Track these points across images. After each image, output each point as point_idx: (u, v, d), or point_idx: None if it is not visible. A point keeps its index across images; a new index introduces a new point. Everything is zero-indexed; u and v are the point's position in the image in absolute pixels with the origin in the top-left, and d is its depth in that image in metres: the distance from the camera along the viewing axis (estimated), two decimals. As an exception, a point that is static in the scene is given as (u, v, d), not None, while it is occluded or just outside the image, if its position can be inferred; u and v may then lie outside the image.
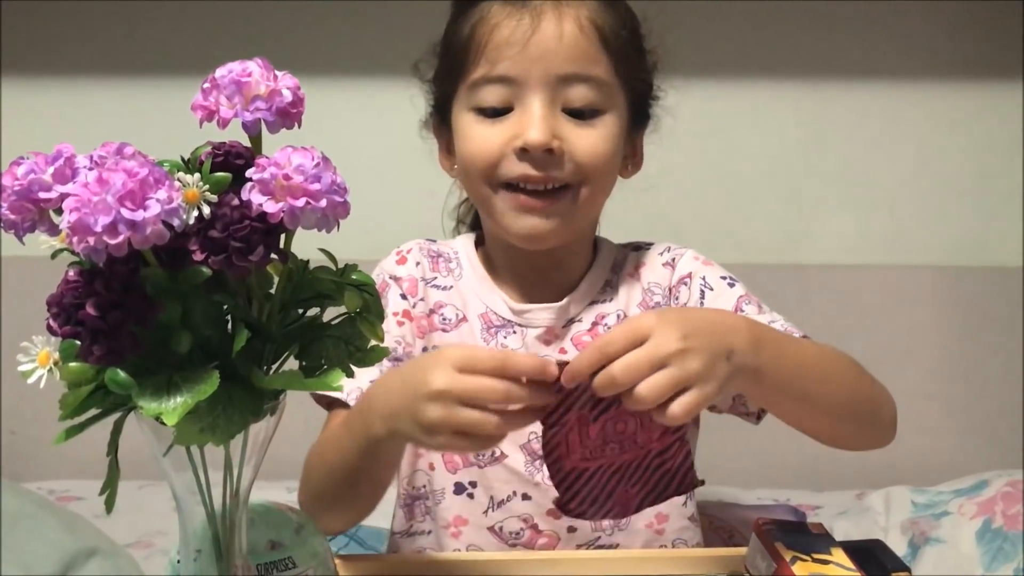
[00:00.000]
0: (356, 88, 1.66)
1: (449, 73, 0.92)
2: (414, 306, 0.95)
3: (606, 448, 0.72)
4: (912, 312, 1.67)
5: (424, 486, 0.95)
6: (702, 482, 0.75)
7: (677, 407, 0.67)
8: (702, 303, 0.94)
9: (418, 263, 0.98)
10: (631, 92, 0.92)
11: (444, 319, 0.95)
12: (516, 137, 0.86)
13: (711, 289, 0.94)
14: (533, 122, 0.85)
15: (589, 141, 0.88)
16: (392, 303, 0.95)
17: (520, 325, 0.94)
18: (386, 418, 0.74)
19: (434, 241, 1.02)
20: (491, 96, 0.88)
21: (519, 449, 0.92)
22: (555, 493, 0.92)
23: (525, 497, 0.93)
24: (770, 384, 0.76)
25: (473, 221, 1.07)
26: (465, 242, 1.00)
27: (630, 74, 0.92)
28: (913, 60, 1.65)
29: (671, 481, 0.74)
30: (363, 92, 1.66)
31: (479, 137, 0.88)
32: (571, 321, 0.95)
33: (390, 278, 0.97)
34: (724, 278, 0.96)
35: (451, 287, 0.97)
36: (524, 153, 0.86)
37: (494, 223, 0.92)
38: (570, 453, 0.71)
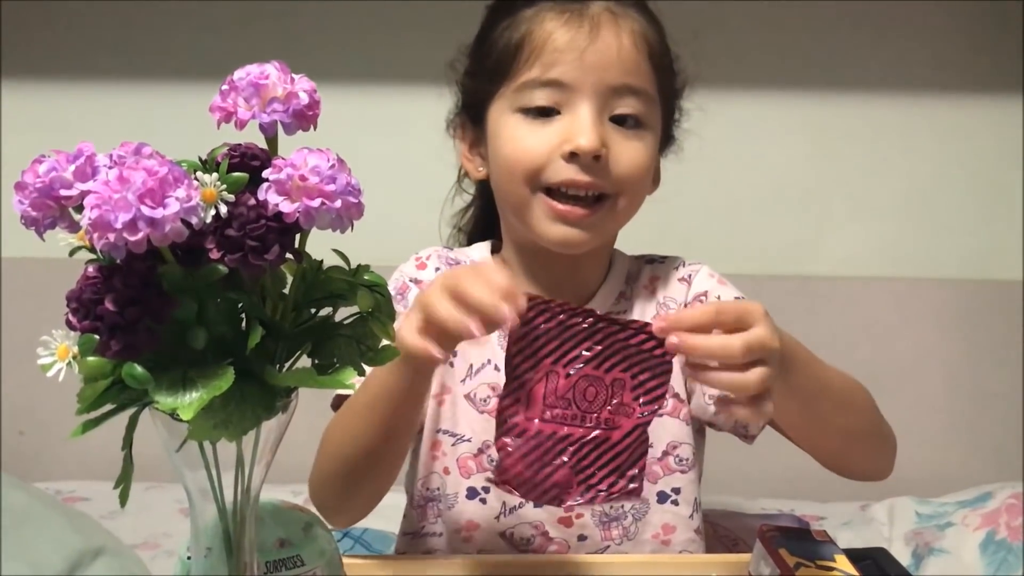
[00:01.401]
0: (367, 94, 1.67)
1: (492, 74, 0.92)
2: None
3: (568, 410, 0.70)
4: (918, 324, 1.67)
5: (438, 488, 0.95)
6: (637, 495, 0.72)
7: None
8: None
9: (437, 268, 0.98)
10: (665, 110, 0.94)
11: None
12: (566, 142, 0.87)
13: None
14: (584, 128, 0.86)
15: (633, 152, 0.89)
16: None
17: None
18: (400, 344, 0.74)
19: (451, 249, 1.03)
20: (541, 98, 0.88)
21: None
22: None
23: (537, 504, 0.93)
24: (791, 398, 0.78)
25: (473, 229, 1.07)
26: (481, 250, 1.00)
27: (668, 92, 0.94)
28: (920, 74, 1.66)
29: (616, 481, 0.71)
30: (375, 98, 1.67)
31: (526, 138, 0.89)
32: None
33: (410, 281, 0.97)
34: (739, 298, 0.96)
35: None
36: (573, 157, 0.87)
37: (526, 226, 0.92)
38: (530, 407, 0.70)
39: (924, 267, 1.70)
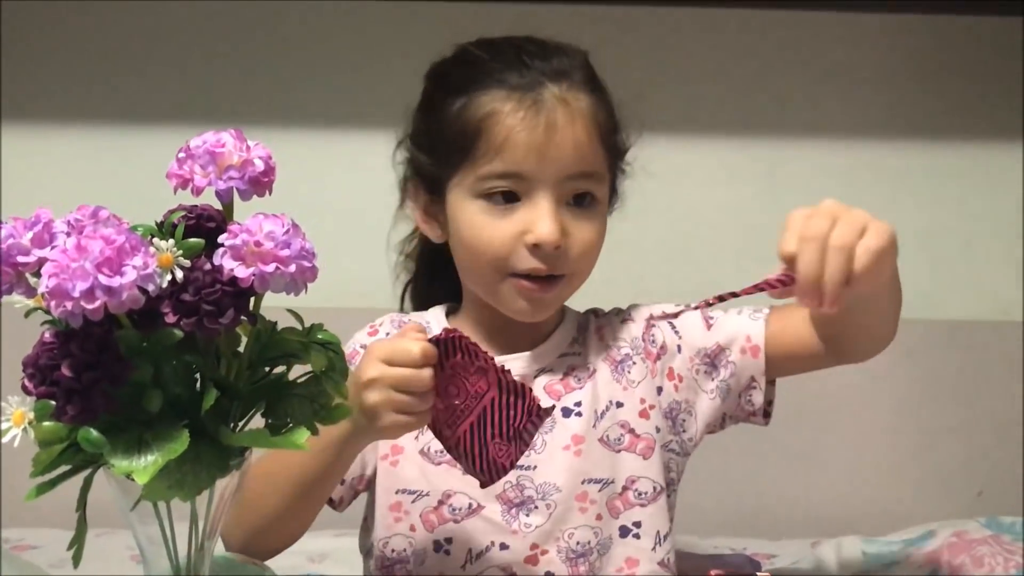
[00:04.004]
0: (326, 136, 1.68)
1: (449, 156, 0.94)
2: None
3: (457, 412, 0.79)
4: (864, 363, 1.70)
5: (405, 549, 0.96)
6: (551, 408, 0.81)
7: (870, 239, 0.79)
8: (676, 333, 1.00)
9: (388, 334, 1.00)
10: (612, 175, 0.97)
11: None
12: (526, 232, 0.90)
13: (675, 317, 0.98)
14: (546, 221, 0.89)
15: (587, 234, 0.92)
16: None
17: None
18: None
19: (407, 313, 1.04)
20: (502, 188, 0.91)
21: (495, 500, 0.94)
22: (532, 539, 0.94)
23: (503, 547, 0.94)
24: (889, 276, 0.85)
25: (419, 259, 1.08)
26: (437, 313, 1.02)
27: (614, 160, 0.97)
28: (862, 119, 1.70)
29: (523, 415, 0.79)
30: (333, 140, 1.68)
31: (488, 229, 0.91)
32: (542, 370, 0.97)
33: (360, 347, 0.99)
34: (678, 305, 0.99)
35: None
36: (535, 249, 0.90)
37: (494, 302, 0.95)
38: (442, 431, 0.81)
39: (870, 306, 1.74)
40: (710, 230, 1.72)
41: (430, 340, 0.80)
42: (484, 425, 0.79)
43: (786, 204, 1.71)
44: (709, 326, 0.99)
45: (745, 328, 0.97)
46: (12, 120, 1.67)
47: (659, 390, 0.98)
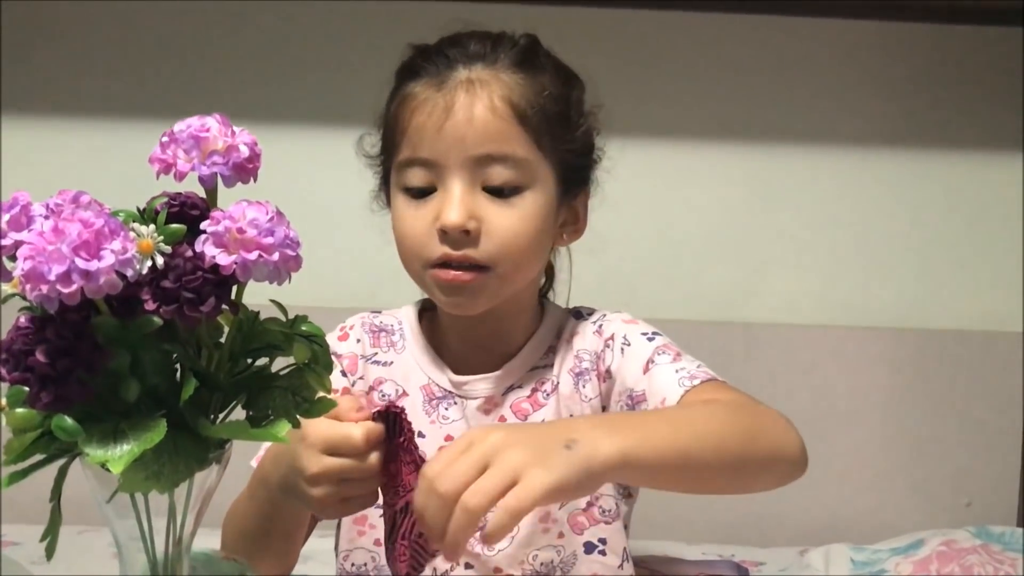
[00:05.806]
0: (313, 134, 1.67)
1: (384, 150, 0.95)
2: (353, 384, 0.96)
3: (397, 492, 0.76)
4: (855, 371, 1.70)
5: (366, 564, 0.94)
6: (434, 552, 0.75)
7: (511, 499, 0.65)
8: (622, 360, 0.94)
9: (358, 340, 0.98)
10: (559, 163, 0.93)
11: (383, 395, 0.96)
12: (437, 219, 0.88)
13: (629, 345, 0.94)
14: (451, 203, 0.87)
15: (508, 221, 0.89)
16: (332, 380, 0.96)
17: (460, 396, 0.95)
18: (284, 491, 0.80)
19: (379, 312, 1.02)
20: (416, 178, 0.90)
21: None
22: (495, 563, 0.93)
23: (468, 566, 0.93)
24: (644, 461, 0.72)
25: None
26: (409, 312, 1.01)
27: (555, 145, 0.92)
28: (853, 126, 1.70)
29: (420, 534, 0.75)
30: (319, 139, 1.67)
31: (407, 219, 0.91)
32: (510, 388, 0.96)
33: (333, 355, 0.97)
34: (645, 334, 0.95)
35: (392, 363, 0.97)
36: (444, 235, 0.88)
37: (431, 297, 0.94)
38: (385, 502, 0.78)
39: (861, 315, 1.74)
40: (703, 235, 1.72)
41: (375, 414, 0.76)
42: (400, 520, 0.76)
43: (781, 210, 1.72)
44: (647, 369, 0.91)
45: (666, 390, 0.88)
46: (13, 115, 1.66)
47: (604, 410, 0.95)
